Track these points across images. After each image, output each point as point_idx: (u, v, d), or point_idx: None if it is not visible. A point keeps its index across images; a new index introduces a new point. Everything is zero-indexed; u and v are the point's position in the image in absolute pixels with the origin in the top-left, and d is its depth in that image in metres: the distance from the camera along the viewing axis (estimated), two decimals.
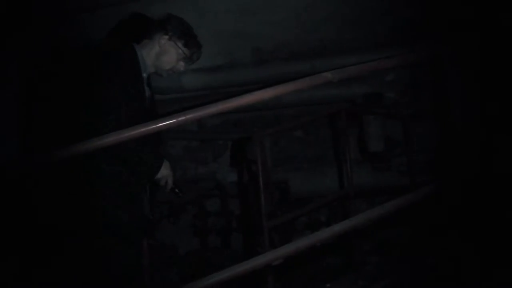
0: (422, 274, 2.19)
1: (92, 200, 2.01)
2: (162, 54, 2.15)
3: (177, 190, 2.19)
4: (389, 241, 3.60)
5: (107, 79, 2.00)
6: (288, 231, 3.65)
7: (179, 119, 1.73)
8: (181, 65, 2.19)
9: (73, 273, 2.04)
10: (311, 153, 3.86)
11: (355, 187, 3.21)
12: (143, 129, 1.72)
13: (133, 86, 2.07)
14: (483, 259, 1.89)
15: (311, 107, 3.68)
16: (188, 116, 1.75)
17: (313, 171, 3.70)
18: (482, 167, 1.99)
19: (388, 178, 3.54)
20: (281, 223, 3.11)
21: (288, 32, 3.36)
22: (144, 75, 2.15)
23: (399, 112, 3.51)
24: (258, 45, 3.46)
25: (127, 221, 2.04)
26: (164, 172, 2.10)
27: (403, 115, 3.40)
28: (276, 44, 3.43)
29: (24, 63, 3.03)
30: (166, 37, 2.15)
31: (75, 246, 2.03)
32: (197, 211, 3.92)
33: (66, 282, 2.04)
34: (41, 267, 2.15)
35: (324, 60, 3.35)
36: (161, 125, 1.73)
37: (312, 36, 3.39)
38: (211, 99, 2.43)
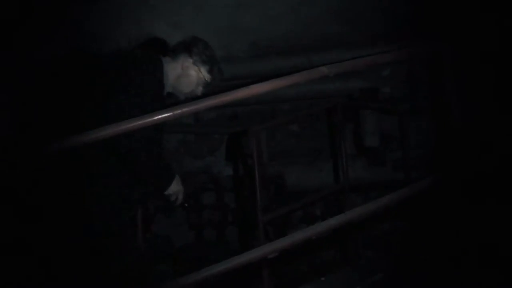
0: (415, 269, 2.21)
1: (90, 201, 1.99)
2: (183, 77, 2.12)
3: (186, 205, 2.14)
4: (383, 236, 3.61)
5: (131, 87, 1.97)
6: (283, 225, 3.66)
7: (175, 112, 1.72)
8: (200, 90, 2.16)
9: (72, 272, 2.03)
10: (307, 148, 3.86)
11: (350, 181, 3.23)
12: (140, 122, 1.72)
13: (157, 99, 2.04)
14: (478, 256, 1.90)
15: (307, 101, 3.68)
16: (184, 110, 1.75)
17: (309, 166, 3.70)
18: (479, 163, 2.00)
19: (383, 173, 3.56)
20: (277, 217, 3.12)
21: (285, 26, 3.36)
22: (164, 93, 2.14)
23: (395, 107, 3.52)
24: (255, 39, 3.46)
25: (122, 224, 2.03)
26: (176, 188, 2.07)
27: (399, 111, 3.41)
28: (273, 38, 3.43)
29: (23, 63, 2.99)
30: (191, 60, 2.12)
31: (73, 246, 2.01)
32: (193, 205, 3.92)
33: (65, 281, 2.03)
34: (39, 267, 2.13)
35: (321, 55, 3.35)
36: (157, 118, 1.73)
37: (309, 31, 3.38)
38: (207, 93, 2.41)
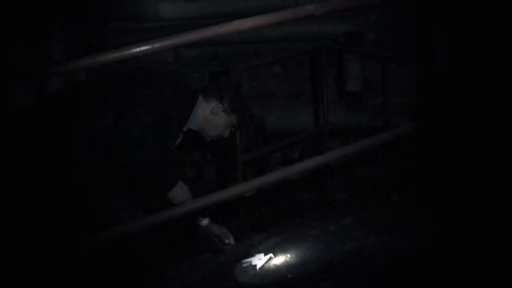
0: (388, 212, 2.27)
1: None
2: (211, 120, 2.08)
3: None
4: (359, 180, 3.69)
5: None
6: (262, 166, 3.70)
7: (155, 45, 1.66)
8: (227, 132, 2.13)
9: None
10: (288, 90, 3.84)
11: (330, 125, 3.24)
12: (116, 54, 1.66)
13: (176, 128, 2.04)
14: (452, 201, 1.95)
15: (291, 43, 3.62)
16: (164, 43, 1.69)
17: (289, 108, 3.70)
18: (459, 112, 2.02)
19: (363, 119, 3.58)
20: (255, 157, 3.14)
21: None
22: (185, 129, 2.09)
23: (379, 53, 3.49)
24: None
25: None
26: (183, 197, 2.03)
27: (383, 57, 3.38)
28: None
29: None
30: (221, 106, 2.08)
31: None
32: None
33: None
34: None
35: None
36: (136, 51, 1.66)
37: None
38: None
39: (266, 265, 2.02)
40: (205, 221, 2.11)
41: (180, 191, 2.03)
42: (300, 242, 2.13)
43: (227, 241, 2.11)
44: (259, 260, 2.04)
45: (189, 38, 1.72)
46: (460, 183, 1.86)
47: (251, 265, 2.04)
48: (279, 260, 2.03)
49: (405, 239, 2.03)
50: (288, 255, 2.04)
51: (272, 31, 3.53)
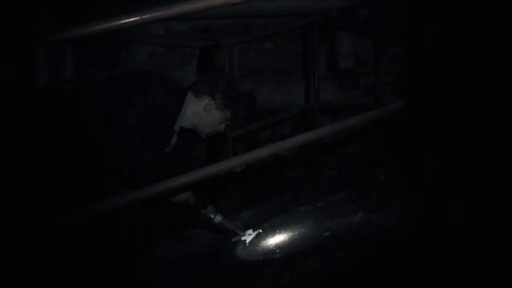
0: (376, 189, 2.29)
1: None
2: (205, 117, 2.03)
3: (200, 202, 2.08)
4: (348, 157, 3.71)
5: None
6: (252, 142, 3.69)
7: (144, 17, 1.63)
8: (222, 127, 2.09)
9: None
10: (279, 66, 3.81)
11: (320, 102, 3.23)
12: (104, 25, 1.62)
13: (166, 125, 1.99)
14: (440, 179, 1.96)
15: (283, 18, 3.58)
16: (154, 15, 1.65)
17: (280, 84, 3.68)
18: (450, 91, 2.01)
19: (353, 96, 3.58)
20: (245, 133, 3.13)
21: None
22: (176, 127, 2.03)
23: (372, 30, 3.47)
24: None
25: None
26: (182, 196, 2.00)
27: (375, 34, 3.36)
28: None
29: None
30: (213, 103, 2.02)
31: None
32: None
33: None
34: None
35: None
36: (124, 23, 1.63)
37: None
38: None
39: (255, 240, 2.04)
40: (218, 218, 2.10)
41: None
42: (289, 218, 2.15)
43: (241, 233, 2.10)
44: (248, 236, 2.05)
45: (179, 9, 1.68)
46: (448, 161, 1.87)
47: (240, 240, 2.05)
48: (268, 235, 2.05)
49: (392, 216, 2.05)
50: (277, 231, 2.06)
51: (264, 5, 3.48)
